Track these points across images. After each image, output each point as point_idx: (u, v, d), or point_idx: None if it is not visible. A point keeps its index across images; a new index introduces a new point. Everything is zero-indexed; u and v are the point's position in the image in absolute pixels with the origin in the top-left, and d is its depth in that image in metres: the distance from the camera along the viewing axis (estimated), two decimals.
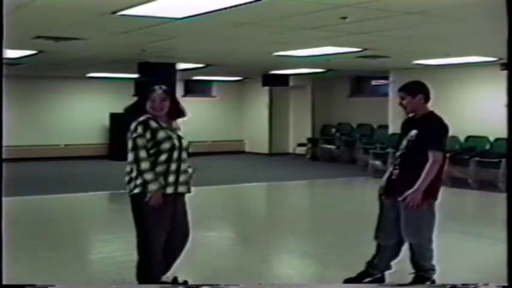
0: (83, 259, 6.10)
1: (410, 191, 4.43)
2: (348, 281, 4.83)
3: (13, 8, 5.15)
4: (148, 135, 4.18)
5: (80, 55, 10.24)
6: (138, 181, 4.21)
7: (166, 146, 4.22)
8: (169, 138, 4.25)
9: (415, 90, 4.64)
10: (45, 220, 8.16)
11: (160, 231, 4.30)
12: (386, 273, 4.84)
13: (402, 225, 4.60)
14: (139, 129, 4.18)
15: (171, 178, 4.26)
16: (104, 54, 10.28)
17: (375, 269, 4.82)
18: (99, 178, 13.06)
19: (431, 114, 4.70)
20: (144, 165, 4.16)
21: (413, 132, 4.60)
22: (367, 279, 4.80)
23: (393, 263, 4.81)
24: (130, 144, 4.19)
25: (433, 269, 4.66)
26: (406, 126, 4.76)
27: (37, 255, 5.98)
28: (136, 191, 4.23)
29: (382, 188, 4.79)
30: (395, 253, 4.77)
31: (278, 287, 5.17)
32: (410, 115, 4.74)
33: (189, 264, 4.83)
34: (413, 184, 4.46)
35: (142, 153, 4.16)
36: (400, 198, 4.48)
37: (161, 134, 4.22)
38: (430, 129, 4.59)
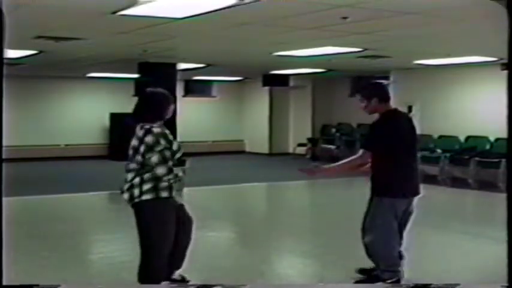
0: (82, 259, 6.10)
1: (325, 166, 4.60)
2: (358, 282, 4.84)
3: (13, 8, 5.15)
4: (173, 146, 4.18)
5: (80, 55, 10.24)
6: (146, 187, 4.16)
7: (178, 155, 4.23)
8: (180, 147, 4.25)
9: (370, 94, 4.72)
10: (45, 220, 8.16)
11: (170, 236, 4.30)
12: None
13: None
14: (163, 142, 4.13)
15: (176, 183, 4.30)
16: (104, 54, 10.28)
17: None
18: (99, 178, 13.06)
19: (387, 113, 4.73)
20: (176, 170, 4.16)
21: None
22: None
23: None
24: (157, 157, 4.09)
25: (390, 271, 4.65)
26: None
27: (37, 255, 5.99)
28: (147, 197, 4.16)
29: None
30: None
31: (281, 287, 5.17)
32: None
33: (189, 264, 4.83)
34: (376, 182, 4.61)
35: (171, 163, 4.14)
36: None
37: (175, 145, 4.22)
38: (370, 129, 4.76)
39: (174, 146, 4.20)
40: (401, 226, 4.71)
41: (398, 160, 4.58)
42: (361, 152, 4.62)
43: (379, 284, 4.67)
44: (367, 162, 4.62)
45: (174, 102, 4.43)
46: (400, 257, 4.78)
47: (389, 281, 4.63)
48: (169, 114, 4.33)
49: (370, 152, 4.59)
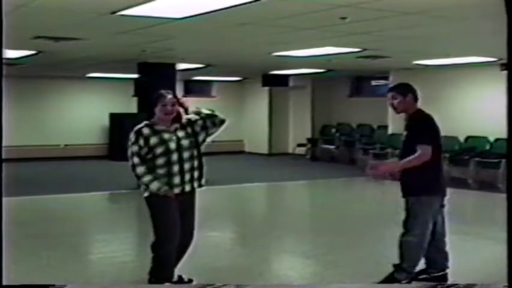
0: (83, 259, 6.10)
1: (386, 162, 4.54)
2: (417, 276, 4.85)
3: (13, 8, 5.15)
4: (141, 142, 4.33)
5: (80, 55, 10.24)
6: (143, 185, 4.40)
7: (159, 150, 4.35)
8: (162, 142, 4.35)
9: (406, 90, 4.78)
10: (45, 220, 8.16)
11: (171, 231, 4.39)
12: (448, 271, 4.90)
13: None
14: (132, 138, 4.37)
15: (176, 180, 4.37)
16: (104, 54, 10.28)
17: (432, 267, 4.90)
18: (99, 178, 13.06)
19: (419, 113, 4.78)
20: (139, 169, 4.33)
21: (405, 133, 4.78)
22: (423, 276, 4.87)
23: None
24: (128, 151, 4.39)
25: (408, 272, 4.68)
26: (405, 127, 4.89)
27: (37, 255, 5.98)
28: (146, 194, 4.42)
29: None
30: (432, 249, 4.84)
31: (281, 287, 5.17)
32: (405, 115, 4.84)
33: (189, 264, 4.83)
34: (409, 183, 4.62)
35: (136, 160, 4.33)
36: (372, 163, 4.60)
37: (153, 140, 4.34)
38: (417, 128, 4.69)
39: (152, 141, 4.33)
40: (436, 226, 4.79)
41: (437, 158, 4.62)
42: (422, 147, 4.51)
43: (396, 284, 4.66)
44: (428, 159, 4.55)
45: (172, 104, 4.43)
46: (446, 256, 4.90)
47: (403, 282, 4.64)
48: (159, 111, 4.39)
49: (431, 148, 4.57)
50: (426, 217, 4.68)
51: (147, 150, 4.33)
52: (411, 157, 4.53)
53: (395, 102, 4.74)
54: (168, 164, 4.34)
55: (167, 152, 4.34)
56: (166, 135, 4.38)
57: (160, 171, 4.33)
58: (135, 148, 4.32)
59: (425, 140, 4.58)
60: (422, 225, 4.66)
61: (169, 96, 4.45)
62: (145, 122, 4.42)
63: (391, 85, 5.05)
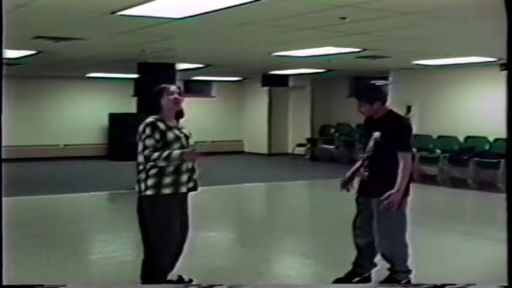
0: (83, 259, 6.10)
1: (390, 192, 4.41)
2: (337, 281, 4.84)
3: (12, 8, 5.15)
4: (157, 135, 4.20)
5: (80, 55, 10.24)
6: (150, 182, 4.24)
7: (175, 146, 4.25)
8: (178, 138, 4.29)
9: (372, 99, 4.61)
10: (45, 220, 8.15)
11: (174, 231, 4.32)
12: (373, 271, 4.87)
13: (374, 225, 4.64)
14: (148, 131, 4.20)
15: (184, 177, 4.31)
16: (104, 54, 10.28)
17: (363, 268, 4.86)
18: (98, 178, 13.06)
19: (392, 113, 4.69)
20: (154, 155, 4.15)
21: (377, 133, 4.60)
22: (356, 279, 4.83)
23: (377, 259, 4.83)
24: (140, 145, 4.22)
25: (405, 271, 4.66)
26: (369, 126, 4.76)
27: (37, 255, 5.98)
28: (149, 192, 4.24)
29: (357, 188, 4.85)
30: (375, 250, 4.78)
31: (280, 287, 5.18)
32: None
33: (189, 265, 4.84)
34: (383, 184, 4.48)
35: (148, 153, 4.18)
36: (381, 198, 4.46)
37: (170, 135, 4.26)
38: (394, 130, 4.57)
39: (169, 136, 4.24)
40: None
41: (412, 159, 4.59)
42: (404, 156, 4.46)
43: (396, 285, 4.65)
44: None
45: (179, 94, 4.44)
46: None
47: (403, 281, 4.64)
48: (166, 102, 4.35)
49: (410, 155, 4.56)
50: (405, 220, 4.64)
51: (162, 145, 4.20)
52: (401, 172, 4.42)
53: (362, 109, 4.65)
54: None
55: (181, 149, 4.25)
56: (177, 132, 4.34)
57: (171, 168, 4.23)
58: (151, 142, 4.17)
59: (407, 148, 4.54)
60: (403, 227, 4.62)
61: (173, 86, 4.45)
62: (155, 117, 4.28)
63: (356, 89, 4.92)
